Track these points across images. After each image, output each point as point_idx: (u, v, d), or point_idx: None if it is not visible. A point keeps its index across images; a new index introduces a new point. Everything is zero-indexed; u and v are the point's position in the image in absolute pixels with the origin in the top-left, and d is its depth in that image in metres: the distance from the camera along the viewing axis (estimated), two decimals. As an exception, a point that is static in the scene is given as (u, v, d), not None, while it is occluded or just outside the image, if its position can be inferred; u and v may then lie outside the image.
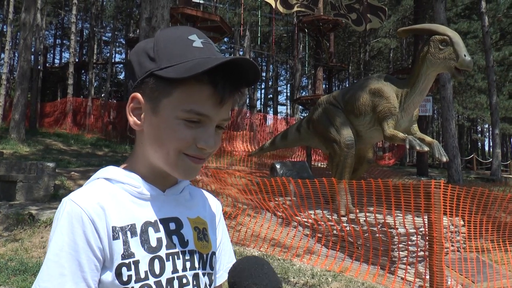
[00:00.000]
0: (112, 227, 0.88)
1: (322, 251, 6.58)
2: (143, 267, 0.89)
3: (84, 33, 40.40)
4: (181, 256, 0.95)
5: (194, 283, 0.96)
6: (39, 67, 23.05)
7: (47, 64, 34.52)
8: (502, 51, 32.06)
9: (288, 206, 7.65)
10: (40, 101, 24.58)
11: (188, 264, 0.96)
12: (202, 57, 0.88)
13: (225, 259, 1.13)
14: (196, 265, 0.98)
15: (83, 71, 34.20)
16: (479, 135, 52.70)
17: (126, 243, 0.89)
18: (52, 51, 46.24)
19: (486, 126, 48.83)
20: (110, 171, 0.98)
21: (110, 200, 0.91)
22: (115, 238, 0.88)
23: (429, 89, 7.06)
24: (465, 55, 6.12)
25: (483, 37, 21.31)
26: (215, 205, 1.14)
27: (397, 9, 29.70)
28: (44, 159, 11.55)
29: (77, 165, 11.74)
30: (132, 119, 0.94)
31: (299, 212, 7.45)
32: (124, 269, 0.87)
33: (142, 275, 0.89)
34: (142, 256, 0.90)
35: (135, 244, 0.90)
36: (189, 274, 0.96)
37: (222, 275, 1.12)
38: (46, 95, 32.56)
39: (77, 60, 31.52)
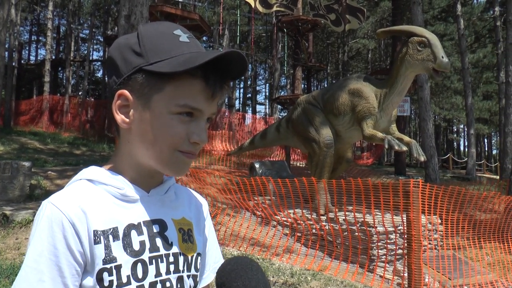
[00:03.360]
0: (94, 231, 0.86)
1: (301, 250, 6.60)
2: (126, 271, 0.87)
3: (61, 30, 39.73)
4: (164, 259, 0.93)
5: (178, 286, 0.95)
6: (13, 64, 22.59)
7: (22, 61, 33.78)
8: (477, 53, 32.81)
9: (268, 205, 7.65)
10: (15, 98, 24.06)
11: (172, 267, 0.94)
12: (191, 51, 0.88)
13: (212, 259, 1.11)
14: (181, 267, 0.96)
15: (60, 69, 33.63)
16: (455, 135, 53.69)
17: (107, 247, 0.86)
18: (27, 48, 45.28)
19: (462, 126, 49.77)
20: (92, 172, 0.94)
21: (91, 203, 0.88)
22: (96, 242, 0.85)
23: (407, 90, 7.15)
24: (442, 57, 6.21)
25: (459, 40, 21.72)
26: (201, 204, 1.11)
27: (375, 11, 29.99)
28: (20, 158, 11.31)
29: (54, 165, 11.53)
30: (119, 117, 0.91)
31: (279, 212, 7.46)
32: (105, 274, 0.85)
33: (124, 280, 0.86)
34: (125, 261, 0.87)
35: (117, 248, 0.87)
36: (173, 277, 0.94)
37: (208, 276, 1.10)
38: (22, 92, 31.92)
39: (53, 57, 30.93)
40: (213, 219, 7.42)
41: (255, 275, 0.85)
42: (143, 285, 0.88)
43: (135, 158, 0.94)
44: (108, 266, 0.85)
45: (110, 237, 0.87)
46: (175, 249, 0.95)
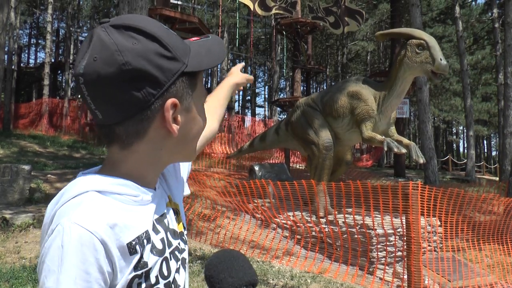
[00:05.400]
0: (127, 244, 0.82)
1: (301, 253, 6.60)
2: (154, 272, 0.86)
3: (60, 33, 39.74)
4: (177, 250, 0.96)
5: (185, 265, 0.99)
6: (13, 67, 22.55)
7: (21, 64, 33.79)
8: (475, 55, 32.83)
9: (267, 208, 7.66)
10: (14, 102, 24.03)
11: (179, 254, 0.97)
12: (185, 41, 0.93)
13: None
14: (182, 247, 0.99)
15: (59, 72, 33.59)
16: (454, 136, 53.70)
17: (142, 254, 0.84)
18: (27, 51, 45.30)
19: (461, 128, 49.81)
20: (98, 182, 0.86)
21: (115, 217, 0.82)
22: (132, 253, 0.82)
23: (406, 92, 7.17)
24: (441, 59, 6.24)
25: (458, 41, 21.75)
26: (172, 172, 1.10)
27: (374, 13, 30.04)
28: (19, 161, 11.31)
29: (54, 168, 11.53)
30: (175, 127, 0.88)
31: (278, 214, 7.46)
32: (135, 280, 0.83)
33: (153, 281, 0.86)
34: (153, 262, 0.86)
35: (147, 251, 0.85)
36: (182, 260, 0.97)
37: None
38: (21, 95, 31.86)
39: (53, 60, 30.91)
40: (212, 222, 7.43)
41: (242, 266, 0.88)
42: (169, 281, 0.90)
43: (165, 161, 0.94)
44: (139, 272, 0.84)
45: (145, 242, 0.85)
46: (180, 236, 0.99)
